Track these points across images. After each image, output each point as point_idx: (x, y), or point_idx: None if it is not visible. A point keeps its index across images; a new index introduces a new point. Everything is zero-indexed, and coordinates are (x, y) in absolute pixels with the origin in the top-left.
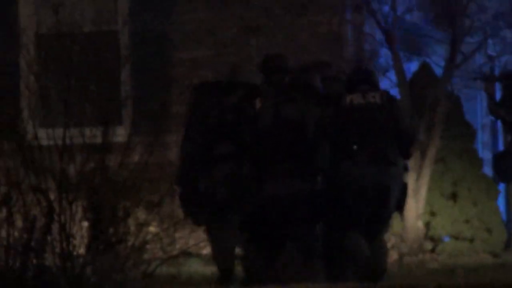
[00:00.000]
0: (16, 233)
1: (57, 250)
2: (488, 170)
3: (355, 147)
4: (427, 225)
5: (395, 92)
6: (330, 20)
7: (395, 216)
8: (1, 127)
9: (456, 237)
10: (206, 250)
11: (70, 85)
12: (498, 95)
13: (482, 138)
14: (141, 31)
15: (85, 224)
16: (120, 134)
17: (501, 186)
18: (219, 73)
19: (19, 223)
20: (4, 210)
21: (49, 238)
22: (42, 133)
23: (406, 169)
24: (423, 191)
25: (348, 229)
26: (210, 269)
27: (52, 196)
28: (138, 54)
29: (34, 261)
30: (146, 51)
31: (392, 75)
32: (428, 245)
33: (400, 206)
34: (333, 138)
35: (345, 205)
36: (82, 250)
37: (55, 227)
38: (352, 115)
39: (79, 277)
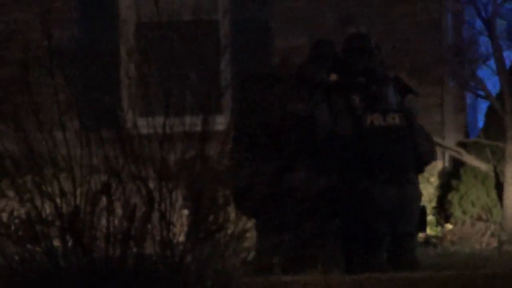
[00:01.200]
0: (116, 222)
1: (157, 238)
2: None
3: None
4: None
5: (495, 80)
6: (428, 8)
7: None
8: (101, 116)
9: None
10: None
11: (170, 74)
12: None
13: None
14: (241, 20)
15: (185, 212)
16: (220, 122)
17: None
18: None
19: (119, 211)
20: (104, 199)
21: (149, 226)
22: (142, 122)
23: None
24: None
25: (371, 250)
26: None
27: (152, 185)
28: (238, 43)
29: (134, 249)
30: (245, 40)
31: (492, 63)
32: None
33: (421, 226)
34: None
35: (366, 225)
36: (182, 238)
37: (155, 216)
38: (372, 136)
39: (179, 265)
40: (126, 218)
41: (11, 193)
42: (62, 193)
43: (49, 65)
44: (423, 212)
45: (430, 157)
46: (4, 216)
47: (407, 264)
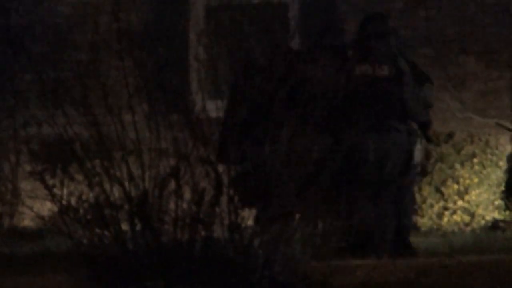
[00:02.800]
0: (184, 206)
1: (226, 222)
2: None
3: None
4: None
5: None
6: None
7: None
8: (170, 100)
9: None
10: None
11: (239, 57)
12: None
13: None
14: (310, 2)
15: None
16: None
17: None
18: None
19: (187, 195)
20: (173, 183)
21: (217, 210)
22: (210, 105)
23: (412, 134)
24: None
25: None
26: None
27: (220, 169)
28: (307, 26)
29: (202, 233)
30: (314, 22)
31: None
32: None
33: (407, 170)
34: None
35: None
36: (250, 222)
37: (223, 199)
38: (359, 85)
39: (247, 249)
40: (194, 202)
41: (80, 177)
42: (131, 177)
43: (119, 48)
44: (410, 155)
45: (414, 115)
46: (73, 200)
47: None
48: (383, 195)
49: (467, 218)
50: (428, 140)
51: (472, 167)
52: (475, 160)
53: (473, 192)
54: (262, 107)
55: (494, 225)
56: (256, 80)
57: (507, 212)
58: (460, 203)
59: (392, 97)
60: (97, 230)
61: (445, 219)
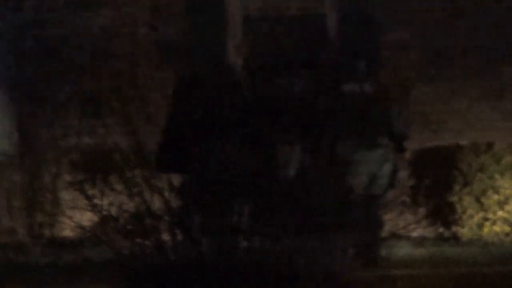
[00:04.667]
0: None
1: (267, 232)
2: None
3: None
4: None
5: None
6: None
7: None
8: None
9: None
10: (416, 233)
11: (277, 67)
12: None
13: None
14: (348, 13)
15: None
16: None
17: None
18: (426, 55)
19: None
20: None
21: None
22: None
23: (399, 150)
24: None
25: None
26: (420, 251)
27: None
28: (345, 37)
29: (244, 243)
30: (352, 34)
31: None
32: None
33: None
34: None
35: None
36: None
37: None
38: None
39: (289, 259)
40: (235, 213)
41: (120, 187)
42: (171, 187)
43: (157, 59)
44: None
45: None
46: (113, 210)
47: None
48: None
49: (507, 229)
50: (402, 150)
51: None
52: None
53: None
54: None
55: None
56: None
57: None
58: (500, 213)
59: (379, 113)
60: (138, 240)
61: (485, 230)
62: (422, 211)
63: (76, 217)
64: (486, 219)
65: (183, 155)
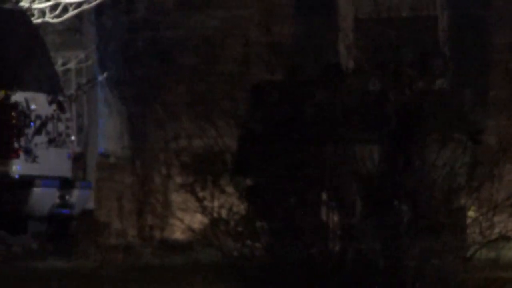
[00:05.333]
0: (335, 218)
1: (377, 234)
2: None
3: None
4: None
5: None
6: None
7: None
8: None
9: None
10: None
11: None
12: None
13: None
14: (460, 15)
15: (404, 207)
16: None
17: None
18: None
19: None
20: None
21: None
22: None
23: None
24: None
25: None
26: None
27: None
28: (456, 38)
29: (353, 244)
30: (463, 35)
31: None
32: None
33: None
34: None
35: None
36: (402, 234)
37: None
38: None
39: (399, 261)
40: (345, 214)
41: (230, 189)
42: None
43: (269, 61)
44: None
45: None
46: (224, 212)
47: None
48: None
49: None
50: (477, 143)
51: None
52: None
53: None
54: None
55: None
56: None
57: None
58: None
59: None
60: (248, 242)
61: None
62: None
63: (186, 219)
64: None
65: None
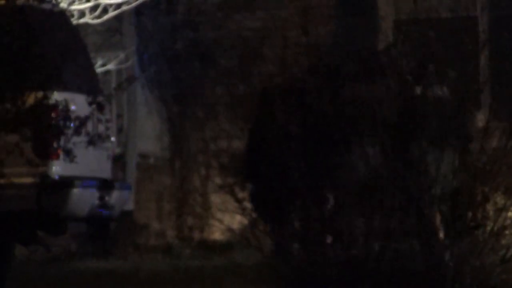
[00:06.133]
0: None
1: (416, 235)
2: None
3: None
4: None
5: None
6: None
7: None
8: None
9: None
10: None
11: (427, 70)
12: None
13: None
14: (500, 16)
15: (444, 208)
16: (480, 119)
17: None
18: None
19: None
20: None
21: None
22: None
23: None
24: None
25: None
26: None
27: None
28: (496, 39)
29: (393, 245)
30: (504, 36)
31: None
32: None
33: None
34: None
35: None
36: (441, 235)
37: (413, 212)
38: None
39: (438, 262)
40: (385, 216)
41: None
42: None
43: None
44: None
45: None
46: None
47: None
48: None
49: None
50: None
51: None
52: None
53: None
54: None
55: None
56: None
57: None
58: None
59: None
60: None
61: None
62: None
63: (225, 220)
64: None
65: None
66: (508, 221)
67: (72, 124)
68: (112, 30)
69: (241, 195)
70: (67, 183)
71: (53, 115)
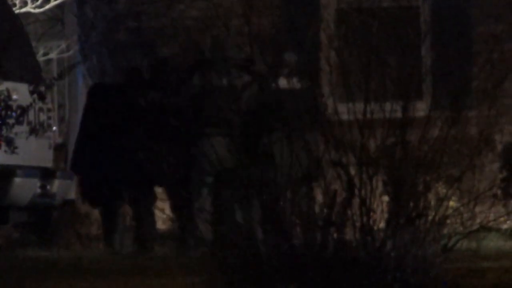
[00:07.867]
0: (316, 208)
1: (358, 224)
2: None
3: None
4: None
5: None
6: None
7: None
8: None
9: None
10: (507, 225)
11: (370, 60)
12: None
13: None
14: (441, 6)
15: (385, 198)
16: (420, 108)
17: None
18: None
19: (318, 198)
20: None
21: (349, 212)
22: (342, 108)
23: None
24: None
25: None
26: (510, 244)
27: (352, 171)
28: (438, 29)
29: (334, 235)
30: (445, 26)
31: None
32: None
33: None
34: None
35: None
36: (382, 225)
37: (355, 202)
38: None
39: (379, 251)
40: (326, 205)
41: None
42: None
43: (250, 51)
44: None
45: None
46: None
47: None
48: None
49: None
50: None
51: None
52: None
53: None
54: None
55: None
56: None
57: None
58: None
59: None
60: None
61: None
62: None
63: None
64: None
65: None
66: (450, 211)
67: (13, 114)
68: (54, 19)
69: None
70: (8, 172)
71: None
